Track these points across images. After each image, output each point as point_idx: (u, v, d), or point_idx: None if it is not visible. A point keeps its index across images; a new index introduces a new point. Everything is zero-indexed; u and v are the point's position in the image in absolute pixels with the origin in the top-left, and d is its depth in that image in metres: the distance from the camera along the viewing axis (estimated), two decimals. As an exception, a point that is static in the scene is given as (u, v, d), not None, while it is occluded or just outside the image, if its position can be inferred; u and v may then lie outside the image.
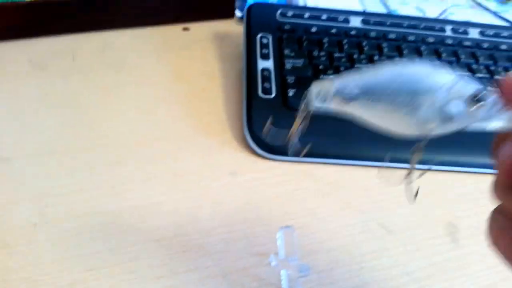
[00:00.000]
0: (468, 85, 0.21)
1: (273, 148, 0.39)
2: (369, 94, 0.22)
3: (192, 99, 0.45)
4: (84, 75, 0.46)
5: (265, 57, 0.47)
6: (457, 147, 0.41)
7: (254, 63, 0.46)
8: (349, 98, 0.22)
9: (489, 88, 0.21)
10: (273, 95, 0.43)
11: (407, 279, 0.32)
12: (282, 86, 0.44)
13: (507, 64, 0.51)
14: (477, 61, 0.50)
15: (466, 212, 0.37)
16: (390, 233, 0.34)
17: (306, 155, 0.40)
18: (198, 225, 0.33)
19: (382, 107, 0.22)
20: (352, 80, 0.23)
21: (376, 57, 0.48)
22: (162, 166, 0.37)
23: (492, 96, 0.20)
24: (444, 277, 0.32)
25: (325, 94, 0.23)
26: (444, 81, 0.21)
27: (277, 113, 0.42)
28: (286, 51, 0.47)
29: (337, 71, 0.46)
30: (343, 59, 0.47)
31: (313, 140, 0.42)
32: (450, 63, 0.49)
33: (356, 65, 0.47)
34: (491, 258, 0.33)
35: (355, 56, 0.48)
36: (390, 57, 0.48)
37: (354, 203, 0.36)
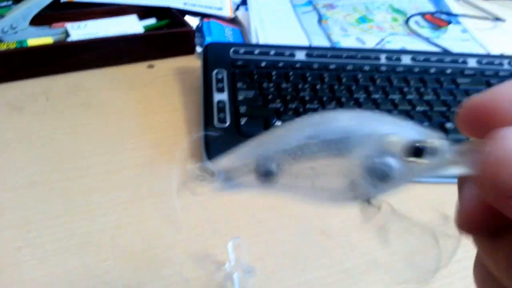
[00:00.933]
0: (405, 133, 0.17)
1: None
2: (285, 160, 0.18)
3: (156, 130, 0.51)
4: (57, 114, 0.51)
5: (220, 90, 0.53)
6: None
7: (211, 96, 0.52)
8: (269, 174, 0.18)
9: (433, 134, 0.17)
10: (227, 124, 0.49)
11: (343, 276, 0.37)
12: (235, 116, 0.50)
13: (436, 85, 0.58)
14: (408, 84, 0.57)
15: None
16: (329, 237, 0.40)
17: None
18: (163, 241, 0.38)
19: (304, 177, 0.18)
20: (253, 148, 0.19)
21: (318, 86, 0.54)
22: (130, 191, 0.42)
23: (439, 143, 0.16)
24: (375, 272, 0.38)
25: (235, 173, 0.19)
26: (374, 133, 0.17)
27: (230, 140, 0.48)
28: (239, 84, 0.53)
29: (284, 100, 0.52)
30: (290, 89, 0.54)
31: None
32: (383, 87, 0.56)
33: (301, 94, 0.53)
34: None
35: (300, 86, 0.54)
36: (331, 86, 0.55)
37: (299, 214, 0.42)
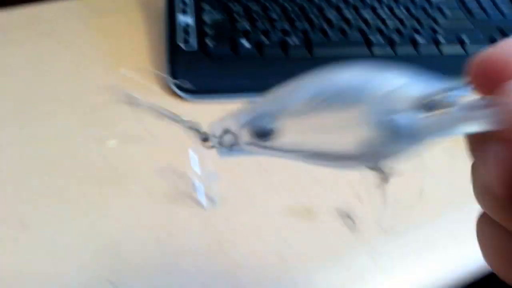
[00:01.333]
0: (419, 85, 0.15)
1: (192, 90, 0.44)
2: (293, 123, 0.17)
3: (120, 56, 0.49)
4: (17, 47, 0.49)
5: (185, 13, 0.51)
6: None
7: (175, 19, 0.50)
8: (267, 133, 0.17)
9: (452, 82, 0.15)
10: (194, 47, 0.47)
11: (310, 181, 0.37)
12: (202, 38, 0.48)
13: (408, 3, 0.56)
14: (380, 3, 0.55)
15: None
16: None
17: (223, 92, 0.45)
18: (128, 159, 0.37)
19: (313, 139, 0.16)
20: (267, 107, 0.18)
21: (288, 7, 0.52)
22: (95, 115, 0.41)
23: (459, 90, 0.15)
24: (341, 175, 0.37)
25: (234, 136, 0.18)
26: (384, 86, 0.15)
27: (198, 62, 0.46)
28: (205, 6, 0.51)
29: (252, 21, 0.50)
30: (259, 11, 0.52)
31: (228, 79, 0.47)
32: (355, 7, 0.54)
33: (270, 15, 0.51)
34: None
35: (269, 6, 0.52)
36: (301, 7, 0.53)
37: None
